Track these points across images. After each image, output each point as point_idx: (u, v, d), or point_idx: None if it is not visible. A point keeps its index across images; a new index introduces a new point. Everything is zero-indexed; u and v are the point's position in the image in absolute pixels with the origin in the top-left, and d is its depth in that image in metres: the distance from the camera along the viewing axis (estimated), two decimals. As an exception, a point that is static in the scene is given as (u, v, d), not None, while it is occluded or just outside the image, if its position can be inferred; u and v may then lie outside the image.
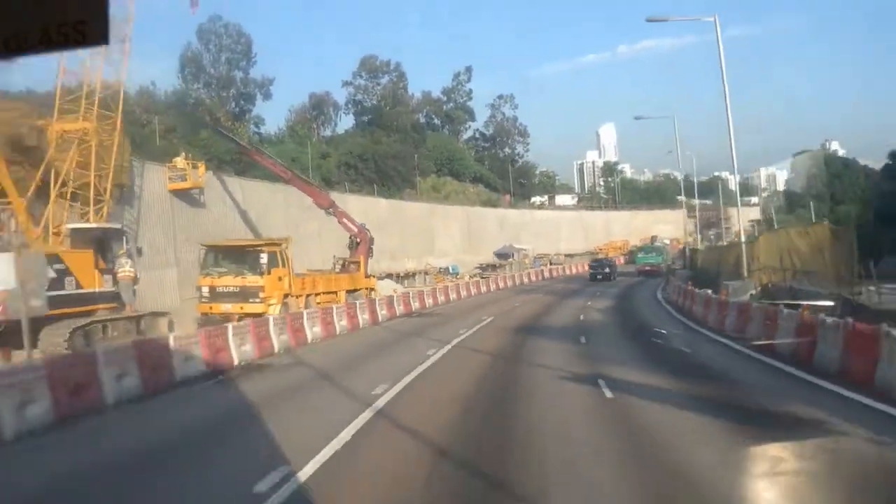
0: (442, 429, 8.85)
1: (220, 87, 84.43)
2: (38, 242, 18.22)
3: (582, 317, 25.29)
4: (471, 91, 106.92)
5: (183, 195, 32.54)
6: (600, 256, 68.18)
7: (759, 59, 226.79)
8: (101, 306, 18.84)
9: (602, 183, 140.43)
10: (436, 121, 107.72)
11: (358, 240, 31.44)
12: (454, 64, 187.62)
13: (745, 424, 8.43)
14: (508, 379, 12.87)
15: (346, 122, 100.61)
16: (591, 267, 58.74)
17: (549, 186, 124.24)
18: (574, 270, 66.36)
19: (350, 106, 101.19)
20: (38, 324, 17.18)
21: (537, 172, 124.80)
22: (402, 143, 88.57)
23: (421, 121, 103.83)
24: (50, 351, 16.22)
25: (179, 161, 32.02)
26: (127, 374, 11.65)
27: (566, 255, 75.23)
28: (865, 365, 10.35)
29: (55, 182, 20.78)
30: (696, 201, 79.19)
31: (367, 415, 9.63)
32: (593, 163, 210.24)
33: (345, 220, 31.69)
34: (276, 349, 17.44)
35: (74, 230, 19.72)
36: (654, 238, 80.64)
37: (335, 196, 38.07)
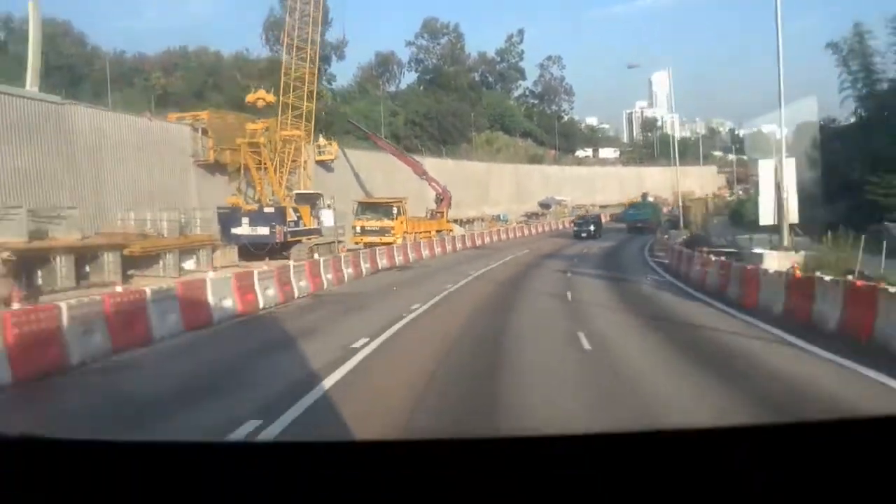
0: (503, 277, 25.34)
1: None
2: (287, 201, 35.26)
3: (584, 250, 41.43)
4: (522, 52, 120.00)
5: (322, 164, 49.24)
6: (584, 213, 69.05)
7: None
8: (313, 237, 35.71)
9: (643, 137, 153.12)
10: (490, 79, 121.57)
11: (441, 197, 48.02)
12: (510, 19, 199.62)
13: (615, 282, 24.55)
14: (531, 271, 29.21)
15: (408, 78, 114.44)
16: (574, 224, 58.36)
17: (594, 139, 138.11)
18: (605, 219, 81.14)
19: (413, 64, 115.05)
20: (289, 245, 34.28)
21: (582, 126, 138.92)
22: (459, 101, 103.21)
23: (476, 79, 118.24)
24: (298, 258, 33.01)
25: (322, 140, 48.73)
26: (365, 265, 28.50)
27: (601, 206, 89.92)
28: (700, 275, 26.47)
29: (280, 165, 37.63)
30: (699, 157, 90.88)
31: (470, 279, 26.05)
32: (642, 111, 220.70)
33: (433, 183, 48.25)
34: (411, 260, 34.28)
35: (298, 194, 36.68)
36: (644, 195, 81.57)
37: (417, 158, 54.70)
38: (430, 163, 62.46)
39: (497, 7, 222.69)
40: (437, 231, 45.20)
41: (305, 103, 38.17)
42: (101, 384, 10.10)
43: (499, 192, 79.74)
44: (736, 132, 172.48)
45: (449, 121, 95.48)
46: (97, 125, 31.34)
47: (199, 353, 12.82)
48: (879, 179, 29.22)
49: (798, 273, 14.58)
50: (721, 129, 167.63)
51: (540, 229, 65.77)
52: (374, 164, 56.12)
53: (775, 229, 21.09)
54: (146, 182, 33.43)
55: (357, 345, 11.98)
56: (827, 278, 12.95)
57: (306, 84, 38.44)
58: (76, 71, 64.16)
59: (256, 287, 18.51)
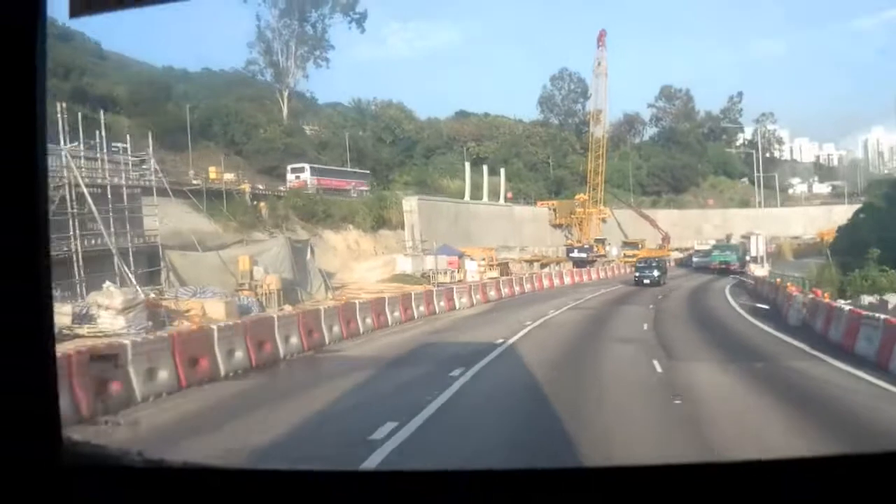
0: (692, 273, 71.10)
1: (565, 117, 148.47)
2: (592, 241, 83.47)
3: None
4: (741, 110, 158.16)
5: (602, 220, 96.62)
6: (648, 255, 71.66)
7: None
8: (603, 258, 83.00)
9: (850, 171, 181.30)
10: (715, 132, 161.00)
11: (664, 238, 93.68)
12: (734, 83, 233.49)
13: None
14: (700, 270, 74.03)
15: (649, 131, 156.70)
16: (636, 269, 59.51)
17: (808, 175, 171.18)
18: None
19: (652, 122, 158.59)
20: (594, 262, 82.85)
21: (798, 162, 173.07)
22: (690, 154, 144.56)
23: (704, 132, 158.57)
24: (600, 267, 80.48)
25: (602, 207, 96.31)
26: (626, 271, 76.07)
27: (793, 238, 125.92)
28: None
29: (587, 223, 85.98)
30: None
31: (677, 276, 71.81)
32: (877, 140, 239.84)
33: (664, 232, 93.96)
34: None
35: (596, 239, 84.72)
36: (729, 236, 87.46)
37: (650, 210, 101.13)
38: (661, 213, 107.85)
39: (721, 72, 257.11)
40: (663, 256, 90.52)
41: (599, 194, 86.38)
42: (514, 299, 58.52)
43: (710, 229, 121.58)
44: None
45: (681, 171, 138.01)
46: (521, 211, 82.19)
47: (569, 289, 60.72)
48: None
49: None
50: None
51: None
52: (627, 217, 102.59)
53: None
54: (535, 234, 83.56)
55: (617, 288, 59.17)
56: None
57: (599, 187, 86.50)
58: (410, 140, 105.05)
59: (590, 272, 66.36)
